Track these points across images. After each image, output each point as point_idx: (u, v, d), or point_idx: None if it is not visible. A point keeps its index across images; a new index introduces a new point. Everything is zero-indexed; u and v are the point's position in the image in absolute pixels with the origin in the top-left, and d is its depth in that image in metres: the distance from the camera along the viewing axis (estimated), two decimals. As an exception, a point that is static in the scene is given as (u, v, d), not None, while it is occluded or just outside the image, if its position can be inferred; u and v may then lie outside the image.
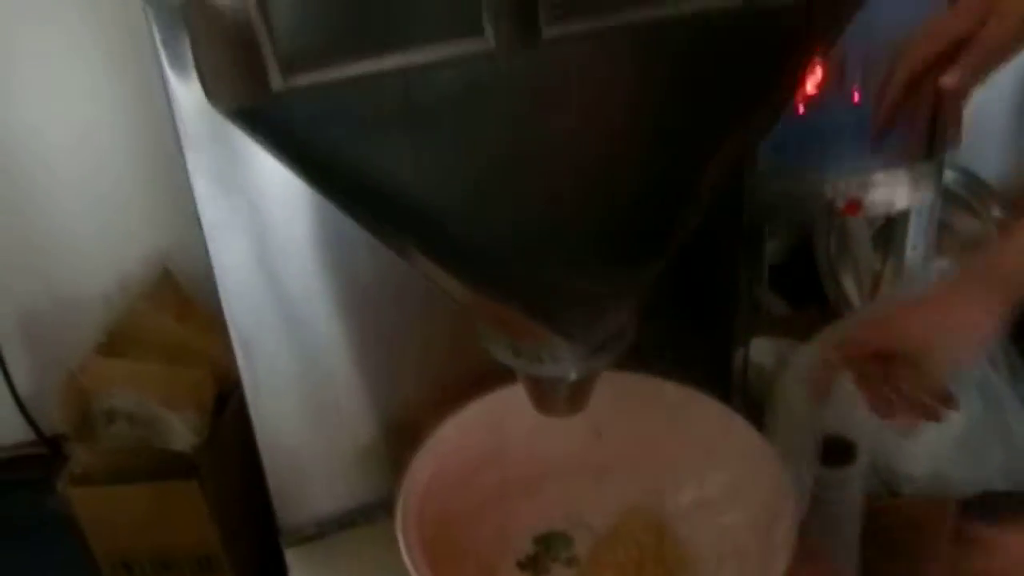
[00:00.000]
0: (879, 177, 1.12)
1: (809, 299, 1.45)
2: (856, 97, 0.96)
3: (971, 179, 1.64)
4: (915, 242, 1.29)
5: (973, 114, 1.19)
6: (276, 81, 0.61)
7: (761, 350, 1.24)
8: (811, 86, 0.93)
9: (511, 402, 0.86)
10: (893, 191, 1.17)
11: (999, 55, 0.77)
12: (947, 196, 1.48)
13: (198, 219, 0.86)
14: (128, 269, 1.48)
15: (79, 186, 1.42)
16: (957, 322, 0.80)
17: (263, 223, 0.86)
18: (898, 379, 0.82)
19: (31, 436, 1.54)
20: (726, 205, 0.99)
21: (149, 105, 1.28)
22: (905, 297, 0.91)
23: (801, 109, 0.95)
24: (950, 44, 0.77)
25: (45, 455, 1.51)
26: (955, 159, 1.53)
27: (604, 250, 0.70)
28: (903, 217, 1.25)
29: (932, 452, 1.12)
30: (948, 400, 0.84)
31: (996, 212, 1.64)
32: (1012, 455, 1.15)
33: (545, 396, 0.78)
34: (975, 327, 0.80)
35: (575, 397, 0.78)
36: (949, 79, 0.76)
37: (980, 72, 0.77)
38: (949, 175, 1.50)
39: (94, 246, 1.47)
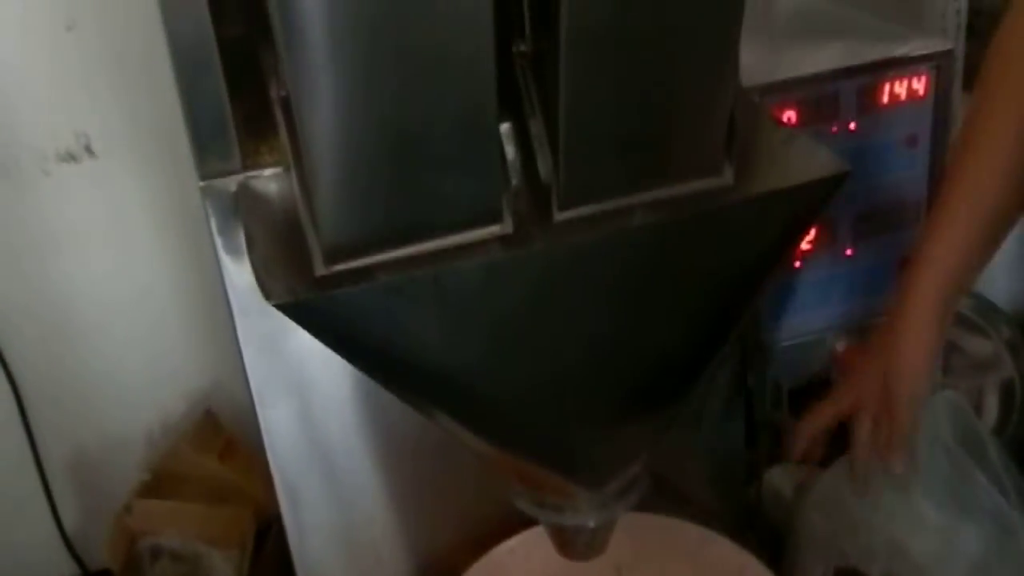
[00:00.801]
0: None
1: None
2: (848, 252, 1.03)
3: (979, 301, 1.68)
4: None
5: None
6: (319, 268, 0.68)
7: (780, 477, 1.27)
8: (805, 243, 1.00)
9: (531, 546, 0.91)
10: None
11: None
12: (956, 319, 1.53)
13: (243, 374, 0.93)
14: (171, 409, 1.55)
15: (126, 331, 1.49)
16: (902, 372, 0.88)
17: (307, 384, 0.93)
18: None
19: (76, 571, 1.59)
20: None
21: (198, 267, 1.39)
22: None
23: (798, 264, 1.01)
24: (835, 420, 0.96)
25: (90, 591, 1.56)
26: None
27: (618, 412, 0.77)
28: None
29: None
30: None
31: (1006, 333, 1.67)
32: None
33: (567, 542, 0.84)
34: (918, 359, 0.88)
35: (595, 542, 0.84)
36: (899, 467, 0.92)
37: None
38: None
39: (138, 387, 1.53)
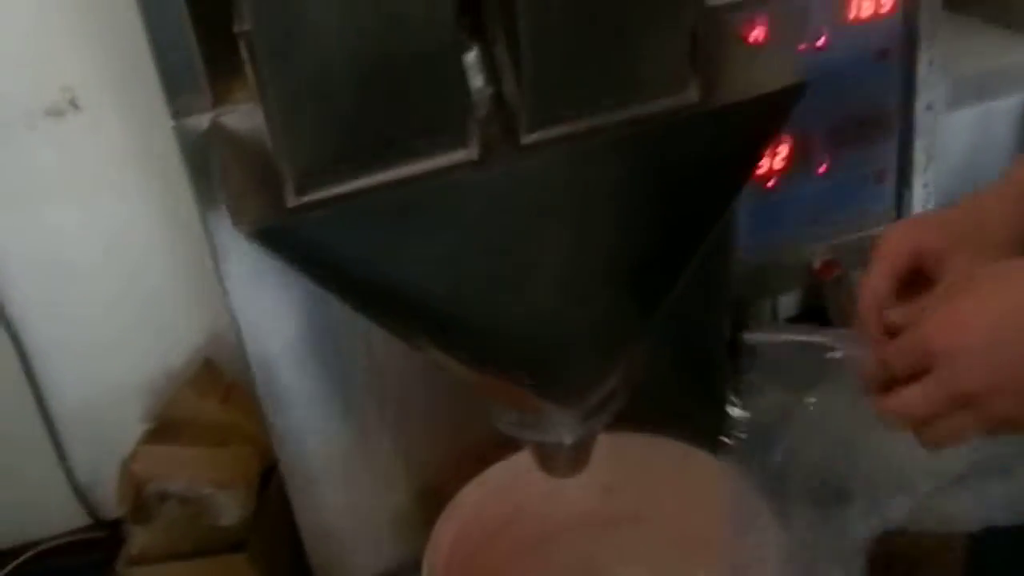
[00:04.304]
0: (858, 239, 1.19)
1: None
2: (822, 168, 1.04)
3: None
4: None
5: (964, 156, 1.26)
6: (291, 199, 0.70)
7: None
8: (780, 162, 1.01)
9: (523, 466, 0.94)
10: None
11: None
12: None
13: (234, 316, 0.95)
14: (172, 359, 1.57)
15: (124, 284, 1.52)
16: (984, 228, 0.74)
17: (293, 316, 0.95)
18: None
19: (88, 521, 1.63)
20: (712, 279, 1.07)
21: (188, 212, 1.40)
22: None
23: (772, 184, 1.02)
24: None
25: (102, 539, 1.59)
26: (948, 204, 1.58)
27: (590, 328, 0.78)
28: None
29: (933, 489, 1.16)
30: None
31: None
32: (1013, 489, 1.18)
33: (549, 459, 0.86)
34: (1004, 229, 0.74)
35: (576, 458, 0.86)
36: None
37: None
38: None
39: (138, 338, 1.56)
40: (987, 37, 0.98)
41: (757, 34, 0.95)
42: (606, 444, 0.89)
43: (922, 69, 1.04)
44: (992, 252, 0.74)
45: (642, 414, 0.91)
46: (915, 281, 0.76)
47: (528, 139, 0.73)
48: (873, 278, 0.76)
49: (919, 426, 0.70)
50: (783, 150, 0.99)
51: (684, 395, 1.14)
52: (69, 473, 1.58)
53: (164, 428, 1.46)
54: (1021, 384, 0.63)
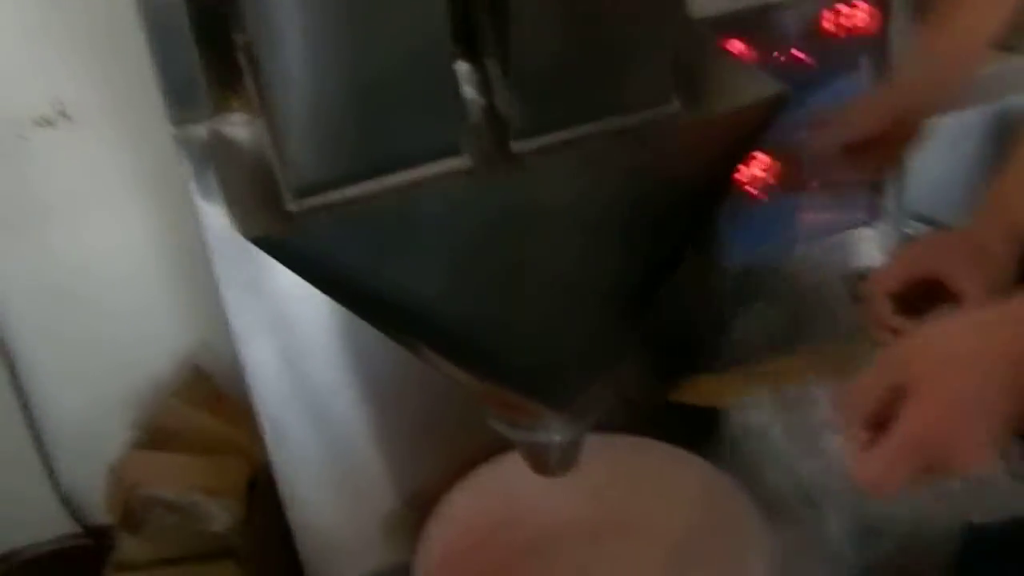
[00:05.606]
0: (843, 238, 1.22)
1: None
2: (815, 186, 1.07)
3: (937, 229, 1.72)
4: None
5: (935, 165, 1.29)
6: (290, 204, 0.72)
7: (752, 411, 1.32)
8: (770, 176, 1.04)
9: (513, 468, 0.96)
10: (858, 248, 1.27)
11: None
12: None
13: (226, 322, 0.97)
14: (159, 368, 1.59)
15: (111, 292, 1.53)
16: (985, 252, 0.83)
17: (287, 323, 0.97)
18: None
19: (75, 529, 1.63)
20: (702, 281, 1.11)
21: (175, 224, 1.42)
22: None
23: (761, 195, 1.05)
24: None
25: (89, 546, 1.60)
26: (920, 211, 1.62)
27: (579, 332, 0.81)
28: (874, 272, 1.34)
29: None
30: None
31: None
32: (984, 490, 1.20)
33: (539, 459, 0.89)
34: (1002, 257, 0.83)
35: (565, 458, 0.88)
36: None
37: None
38: (915, 226, 1.59)
39: (126, 347, 1.57)
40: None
41: (736, 48, 0.98)
42: (595, 448, 0.91)
43: (895, 83, 1.08)
44: (993, 271, 0.83)
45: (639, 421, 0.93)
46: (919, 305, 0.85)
47: (518, 148, 0.76)
48: (885, 271, 0.87)
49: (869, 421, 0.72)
50: (761, 161, 1.03)
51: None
52: (55, 480, 1.59)
53: (153, 436, 1.47)
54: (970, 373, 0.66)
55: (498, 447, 0.93)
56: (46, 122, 1.37)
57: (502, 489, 1.07)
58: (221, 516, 1.36)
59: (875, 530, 1.18)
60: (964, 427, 0.66)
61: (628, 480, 1.09)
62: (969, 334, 0.69)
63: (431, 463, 1.11)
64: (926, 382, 0.67)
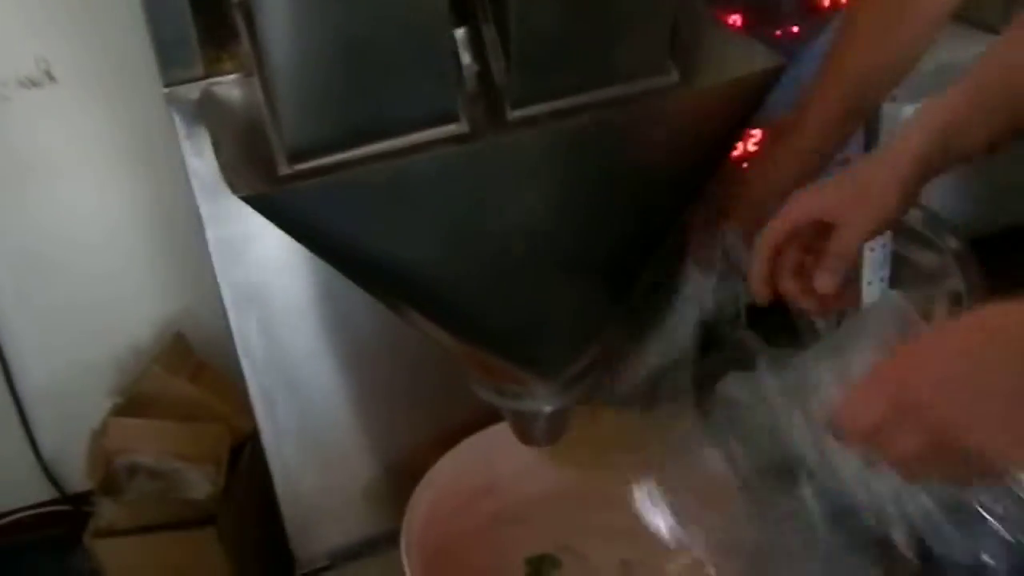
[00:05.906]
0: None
1: (784, 334, 1.54)
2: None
3: (927, 214, 1.73)
4: (871, 278, 1.38)
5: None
6: (283, 167, 0.71)
7: (735, 384, 1.32)
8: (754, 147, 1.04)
9: (499, 438, 0.96)
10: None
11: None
12: (903, 231, 1.57)
13: (211, 289, 0.96)
14: (141, 335, 1.58)
15: (92, 256, 1.52)
16: (869, 192, 0.82)
17: (274, 287, 0.96)
18: (815, 251, 0.84)
19: (55, 495, 1.63)
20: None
21: (159, 189, 1.41)
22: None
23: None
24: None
25: (68, 513, 1.60)
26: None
27: (569, 301, 0.81)
28: (859, 255, 1.34)
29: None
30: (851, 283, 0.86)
31: (953, 244, 1.72)
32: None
33: (526, 428, 0.89)
34: (884, 196, 0.82)
35: (552, 429, 0.88)
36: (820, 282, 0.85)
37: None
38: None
39: (107, 313, 1.56)
40: (947, 31, 1.02)
41: (733, 21, 0.98)
42: (583, 418, 0.91)
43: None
44: (875, 210, 0.82)
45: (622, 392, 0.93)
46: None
47: (513, 116, 0.75)
48: (774, 223, 0.83)
49: (869, 437, 0.69)
50: (755, 135, 1.02)
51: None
52: (36, 447, 1.58)
53: (134, 402, 1.46)
54: (967, 392, 0.62)
55: (483, 414, 0.93)
56: (31, 83, 1.35)
57: (488, 458, 1.08)
58: (202, 483, 1.36)
59: (851, 507, 1.20)
60: (967, 392, 0.62)
61: (612, 451, 1.09)
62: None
63: (414, 431, 1.11)
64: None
